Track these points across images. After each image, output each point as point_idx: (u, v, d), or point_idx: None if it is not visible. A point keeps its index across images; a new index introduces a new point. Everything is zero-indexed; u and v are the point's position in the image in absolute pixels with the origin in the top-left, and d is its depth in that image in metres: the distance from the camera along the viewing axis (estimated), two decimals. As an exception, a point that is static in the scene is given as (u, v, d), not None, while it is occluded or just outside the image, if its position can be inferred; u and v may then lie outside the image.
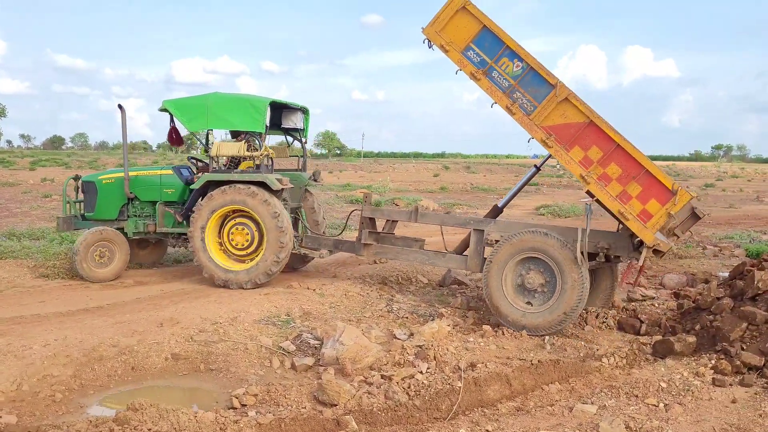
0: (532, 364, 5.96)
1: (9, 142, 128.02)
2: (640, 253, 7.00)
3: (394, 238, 9.21)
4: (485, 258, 7.81)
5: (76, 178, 10.15)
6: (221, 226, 8.97)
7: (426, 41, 7.80)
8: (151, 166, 10.33)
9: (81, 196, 10.02)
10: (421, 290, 9.15)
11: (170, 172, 9.75)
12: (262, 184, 8.76)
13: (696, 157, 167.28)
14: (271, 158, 9.25)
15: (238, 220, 8.95)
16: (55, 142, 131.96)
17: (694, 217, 7.26)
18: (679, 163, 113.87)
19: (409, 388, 5.33)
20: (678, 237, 7.28)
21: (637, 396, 5.37)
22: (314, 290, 8.59)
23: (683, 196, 6.83)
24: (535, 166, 8.55)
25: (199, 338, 6.55)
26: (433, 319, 7.22)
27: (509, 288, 7.40)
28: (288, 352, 6.42)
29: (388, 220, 9.21)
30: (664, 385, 5.53)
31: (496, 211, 8.59)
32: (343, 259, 11.07)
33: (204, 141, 9.83)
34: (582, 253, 6.99)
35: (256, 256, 8.86)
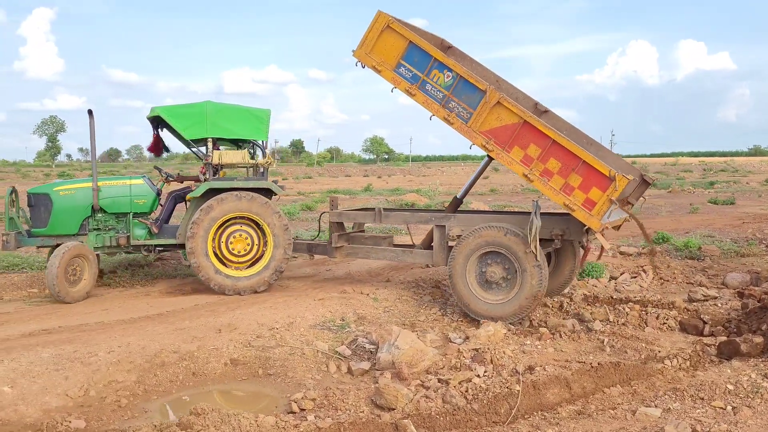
0: (591, 366, 5.85)
1: (68, 155, 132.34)
2: (586, 233, 7.64)
3: (364, 237, 9.64)
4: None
5: (13, 191, 9.21)
6: (215, 233, 8.90)
7: (358, 63, 8.08)
8: (117, 176, 10.14)
9: (21, 210, 9.13)
10: (474, 293, 9.06)
11: (141, 181, 9.39)
12: (266, 191, 9.12)
13: (755, 152, 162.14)
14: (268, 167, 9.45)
15: (236, 227, 8.98)
16: (112, 155, 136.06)
17: (645, 183, 8.40)
18: (737, 159, 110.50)
19: (466, 391, 5.30)
20: (633, 204, 8.17)
21: (702, 399, 5.21)
22: (368, 295, 8.61)
23: (621, 181, 7.03)
24: (488, 155, 8.35)
25: (256, 344, 6.64)
26: (487, 322, 7.16)
27: (473, 282, 7.72)
28: (344, 357, 6.46)
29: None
30: (731, 387, 5.35)
31: (456, 203, 9.07)
32: (395, 264, 11.08)
33: (203, 150, 9.35)
34: (535, 248, 7.27)
35: (254, 263, 9.04)
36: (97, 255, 9.13)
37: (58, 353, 6.11)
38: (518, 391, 5.27)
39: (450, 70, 7.67)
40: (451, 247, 8.05)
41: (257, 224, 9.04)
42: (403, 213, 9.63)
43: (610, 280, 9.86)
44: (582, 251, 8.31)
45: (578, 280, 9.44)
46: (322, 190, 29.92)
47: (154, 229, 9.16)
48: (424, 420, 4.90)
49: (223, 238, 8.90)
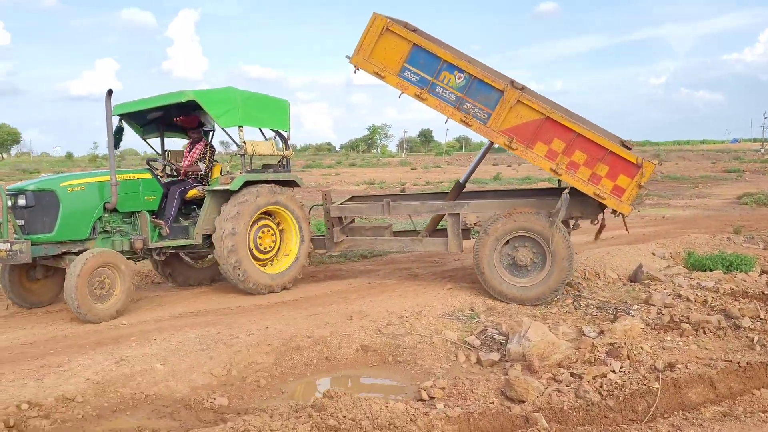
0: (739, 366, 5.44)
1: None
2: (602, 211, 7.94)
3: (365, 228, 9.39)
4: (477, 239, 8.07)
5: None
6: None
7: (356, 70, 7.70)
8: (124, 169, 8.54)
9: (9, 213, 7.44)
10: (610, 286, 8.72)
11: (149, 175, 8.40)
12: (291, 184, 9.02)
13: None
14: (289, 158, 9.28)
15: (263, 222, 8.65)
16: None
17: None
18: None
19: (601, 387, 5.11)
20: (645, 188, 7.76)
21: None
22: (497, 285, 8.49)
23: (648, 167, 7.27)
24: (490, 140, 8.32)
25: (386, 331, 6.76)
26: (624, 317, 6.86)
27: (502, 267, 7.82)
28: (473, 347, 6.42)
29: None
30: None
31: (459, 188, 9.00)
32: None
33: (237, 139, 8.74)
34: (562, 233, 7.58)
35: (279, 258, 8.85)
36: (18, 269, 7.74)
37: (204, 334, 6.53)
38: (657, 388, 5.01)
39: (462, 71, 7.45)
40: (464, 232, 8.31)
41: (273, 217, 8.82)
42: (412, 204, 9.27)
43: (761, 274, 9.13)
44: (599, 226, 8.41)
45: (724, 274, 8.83)
46: (450, 179, 29.82)
47: (166, 230, 8.27)
48: (556, 414, 4.78)
49: (251, 235, 8.47)
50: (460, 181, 9.16)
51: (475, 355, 6.24)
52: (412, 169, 49.99)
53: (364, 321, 7.04)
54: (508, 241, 7.83)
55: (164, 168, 8.96)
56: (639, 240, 11.89)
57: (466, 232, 9.00)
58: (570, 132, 7.35)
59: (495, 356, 6.13)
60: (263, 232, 8.58)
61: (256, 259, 8.47)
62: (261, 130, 9.27)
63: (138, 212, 8.11)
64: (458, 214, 8.34)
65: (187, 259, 9.50)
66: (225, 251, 8.05)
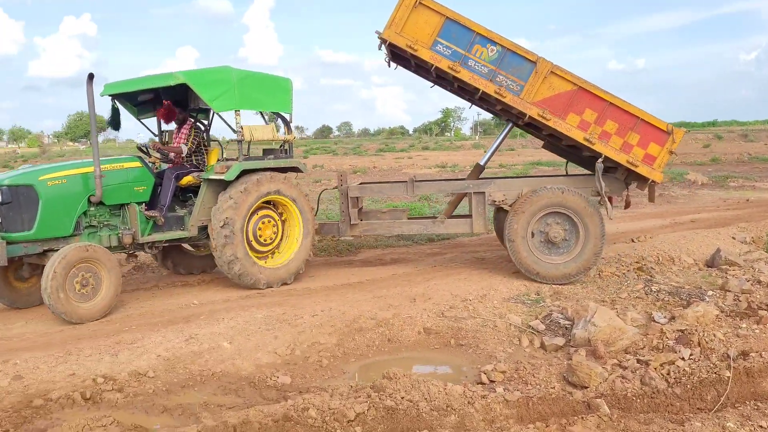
0: (821, 356, 5.16)
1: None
2: (627, 187, 8.21)
3: (380, 212, 9.07)
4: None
5: None
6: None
7: (382, 45, 7.61)
8: (106, 158, 7.72)
9: None
10: (684, 271, 8.41)
11: (138, 163, 7.75)
12: (293, 170, 8.40)
13: None
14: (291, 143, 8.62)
15: (264, 212, 8.02)
16: (324, 132, 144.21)
17: None
18: None
19: (668, 374, 4.94)
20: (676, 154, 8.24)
21: None
22: (565, 269, 8.32)
23: (678, 134, 7.57)
24: (511, 120, 8.60)
25: (449, 314, 6.74)
26: (697, 302, 6.60)
27: (535, 244, 7.85)
28: (537, 331, 6.33)
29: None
30: None
31: (479, 169, 8.83)
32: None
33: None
34: (607, 209, 7.88)
35: (280, 250, 8.26)
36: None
37: (270, 315, 6.69)
38: (728, 377, 4.81)
39: (494, 43, 7.45)
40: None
41: (275, 207, 8.23)
42: (437, 182, 9.21)
43: None
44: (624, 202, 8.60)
45: None
46: (524, 162, 29.35)
47: (161, 220, 7.69)
48: (619, 401, 4.66)
49: (251, 226, 7.85)
50: (481, 162, 9.04)
51: (538, 340, 6.15)
52: (485, 152, 49.36)
53: (427, 304, 7.05)
54: (539, 219, 7.87)
55: (147, 152, 8.29)
56: (719, 224, 11.40)
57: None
58: (602, 101, 7.51)
59: (559, 341, 6.03)
60: (263, 222, 7.97)
61: (255, 251, 7.93)
62: (262, 113, 8.75)
63: (127, 204, 7.53)
64: (483, 192, 8.27)
65: (187, 246, 9.09)
66: (220, 245, 7.55)
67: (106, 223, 7.45)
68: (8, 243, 6.72)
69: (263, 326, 6.37)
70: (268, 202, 8.05)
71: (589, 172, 8.39)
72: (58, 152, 62.21)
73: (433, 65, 7.57)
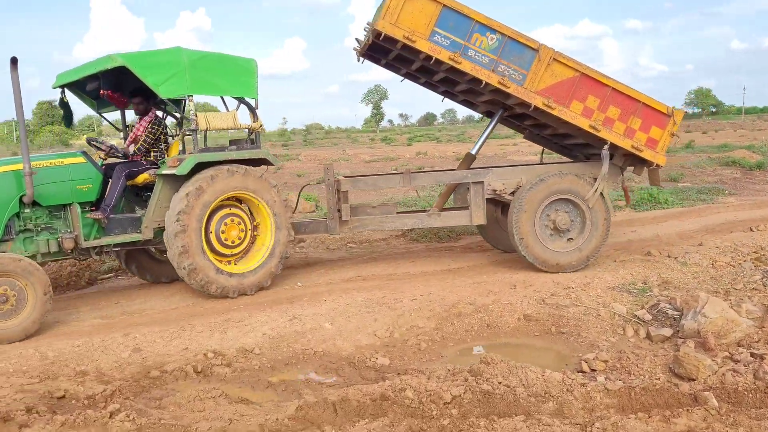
0: None
1: (390, 121, 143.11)
2: (622, 173, 8.28)
3: (370, 207, 8.56)
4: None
5: None
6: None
7: (377, 37, 7.07)
8: (48, 154, 7.33)
9: None
10: (809, 262, 7.84)
11: (82, 159, 7.00)
12: (261, 163, 7.51)
13: None
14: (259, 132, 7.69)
15: (225, 210, 7.17)
16: (428, 119, 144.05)
17: None
18: None
19: (786, 370, 4.66)
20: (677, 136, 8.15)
21: None
22: (676, 258, 7.96)
23: (679, 115, 7.68)
24: (503, 106, 8.13)
25: (550, 301, 6.63)
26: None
27: (542, 232, 7.68)
28: (643, 321, 6.11)
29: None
30: None
31: (470, 159, 8.51)
32: (708, 225, 10.09)
33: (181, 110, 7.52)
34: (602, 193, 7.67)
35: (251, 254, 7.43)
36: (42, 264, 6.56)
37: (370, 298, 6.83)
38: None
39: (494, 31, 7.15)
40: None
41: (242, 203, 7.40)
42: (433, 173, 8.84)
43: None
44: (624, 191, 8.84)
45: None
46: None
47: (104, 222, 6.93)
48: (729, 395, 4.45)
49: (212, 227, 7.06)
50: (472, 151, 8.64)
51: (644, 330, 5.96)
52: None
53: (528, 290, 6.96)
54: (547, 207, 7.74)
55: (101, 148, 7.48)
56: None
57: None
58: (604, 87, 7.45)
59: (667, 332, 5.81)
60: (227, 223, 7.13)
61: (221, 255, 7.16)
62: (223, 99, 7.76)
63: (69, 205, 6.83)
64: (482, 182, 8.00)
65: (152, 250, 8.20)
66: (176, 253, 6.76)
67: (45, 225, 6.76)
68: None
69: (363, 309, 6.51)
70: (236, 199, 7.30)
71: (568, 160, 8.82)
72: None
73: (432, 57, 7.18)
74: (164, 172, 7.02)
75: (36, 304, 6.00)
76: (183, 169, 6.82)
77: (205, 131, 7.24)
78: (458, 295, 6.82)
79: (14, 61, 6.26)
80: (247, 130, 7.63)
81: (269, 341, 5.80)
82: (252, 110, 7.51)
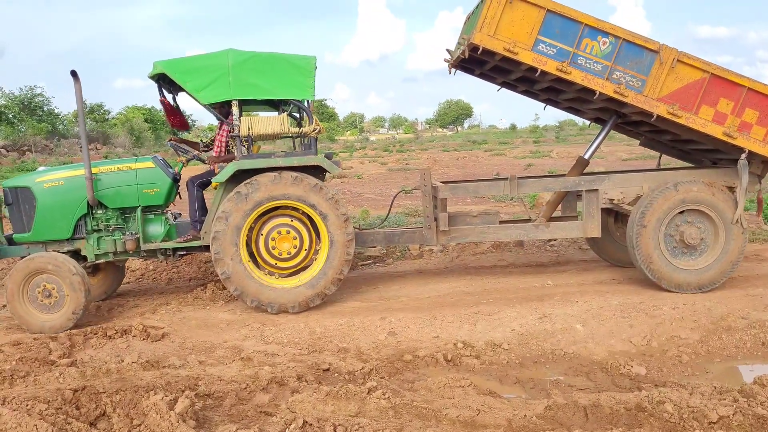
0: None
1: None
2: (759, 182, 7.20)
3: (470, 216, 7.63)
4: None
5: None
6: (251, 229, 6.84)
7: (472, 51, 6.50)
8: (118, 159, 7.58)
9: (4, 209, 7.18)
10: None
11: (150, 164, 7.05)
12: (317, 170, 6.88)
13: None
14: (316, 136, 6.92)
15: (280, 220, 6.80)
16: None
17: None
18: None
19: None
20: None
21: None
22: None
23: None
24: (616, 112, 7.29)
25: None
26: None
27: (666, 248, 6.95)
28: None
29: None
30: None
31: (583, 164, 7.67)
32: None
33: (223, 116, 7.11)
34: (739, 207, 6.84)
35: (304, 269, 6.94)
36: (92, 264, 7.17)
37: (626, 302, 6.52)
38: None
39: (606, 35, 6.43)
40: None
41: (310, 217, 6.88)
42: (542, 180, 7.50)
43: None
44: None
45: None
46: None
47: (197, 238, 7.05)
48: None
49: (262, 236, 6.81)
50: (585, 156, 7.52)
51: None
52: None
53: None
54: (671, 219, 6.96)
55: (187, 158, 7.38)
56: None
57: None
58: (738, 88, 6.57)
59: None
60: (280, 234, 6.81)
61: (272, 267, 6.92)
62: (274, 102, 7.47)
63: (136, 208, 7.04)
64: (597, 190, 7.20)
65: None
66: (213, 259, 6.69)
67: (117, 226, 7.04)
68: (12, 242, 6.99)
69: (618, 313, 6.21)
70: (294, 208, 6.90)
71: (691, 165, 8.02)
72: (428, 138, 68.28)
73: (537, 69, 6.45)
74: (215, 180, 6.94)
75: (75, 298, 6.43)
76: (221, 177, 6.78)
77: (248, 137, 6.77)
78: (728, 308, 6.20)
79: (74, 74, 6.51)
80: (301, 135, 6.91)
81: (518, 337, 5.80)
82: (307, 113, 6.94)
